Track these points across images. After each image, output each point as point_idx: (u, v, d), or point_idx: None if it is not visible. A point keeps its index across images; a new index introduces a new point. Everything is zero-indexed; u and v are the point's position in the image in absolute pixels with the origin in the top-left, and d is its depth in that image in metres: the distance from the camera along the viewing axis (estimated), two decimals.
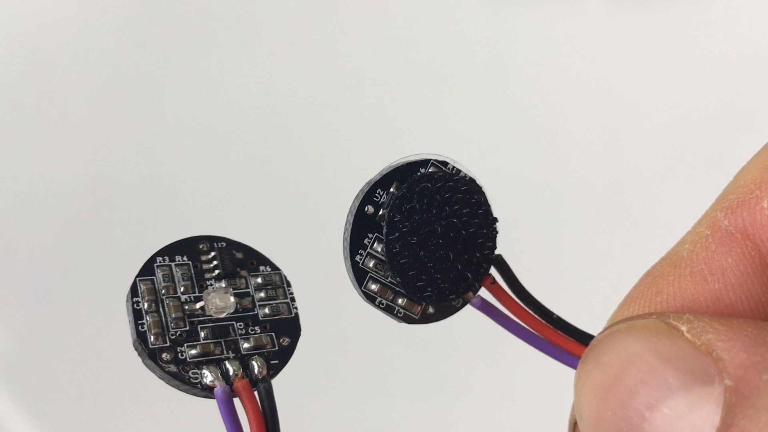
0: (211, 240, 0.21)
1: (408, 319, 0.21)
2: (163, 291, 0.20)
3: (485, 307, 0.21)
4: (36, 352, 0.45)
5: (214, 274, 0.20)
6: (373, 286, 0.21)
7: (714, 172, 0.46)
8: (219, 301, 0.20)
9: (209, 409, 0.44)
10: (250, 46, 0.50)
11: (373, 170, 0.47)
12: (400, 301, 0.21)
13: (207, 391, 0.19)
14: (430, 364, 0.46)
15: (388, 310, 0.21)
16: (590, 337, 0.21)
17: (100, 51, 0.50)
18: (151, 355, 0.19)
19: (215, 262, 0.20)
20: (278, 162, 0.48)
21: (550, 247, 0.46)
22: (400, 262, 0.20)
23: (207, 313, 0.20)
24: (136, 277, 0.20)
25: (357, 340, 0.44)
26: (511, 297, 0.21)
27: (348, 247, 0.20)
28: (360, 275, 0.20)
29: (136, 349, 0.19)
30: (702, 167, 0.45)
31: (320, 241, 0.44)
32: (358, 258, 0.20)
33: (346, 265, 0.21)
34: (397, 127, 0.48)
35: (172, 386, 0.19)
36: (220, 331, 0.20)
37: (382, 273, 0.20)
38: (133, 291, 0.20)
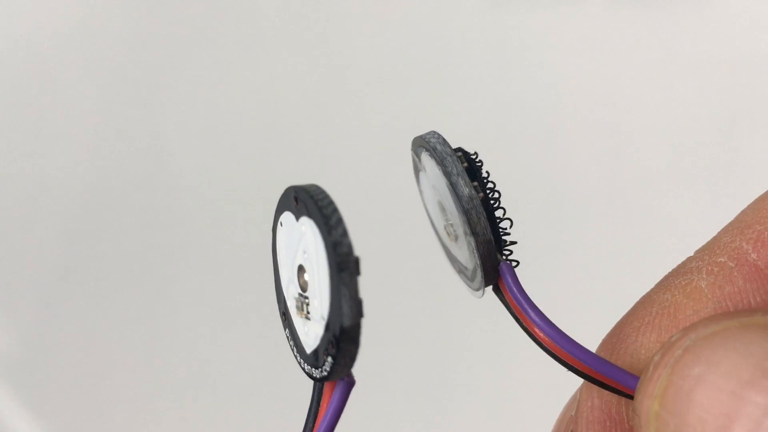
0: None
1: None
2: None
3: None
4: (38, 352, 0.45)
5: None
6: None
7: (715, 171, 0.46)
8: None
9: (210, 408, 0.44)
10: (251, 46, 0.50)
11: (373, 169, 0.47)
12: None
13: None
14: (434, 364, 0.46)
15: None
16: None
17: (101, 51, 0.50)
18: None
19: None
20: (279, 162, 0.48)
21: (550, 246, 0.46)
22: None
23: None
24: None
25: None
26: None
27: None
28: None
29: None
30: (703, 167, 0.45)
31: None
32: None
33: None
34: (397, 126, 0.48)
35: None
36: None
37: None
38: None
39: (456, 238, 0.20)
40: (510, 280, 0.19)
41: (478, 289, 0.20)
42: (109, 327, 0.45)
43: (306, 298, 0.18)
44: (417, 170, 0.21)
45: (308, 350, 0.18)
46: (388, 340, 0.46)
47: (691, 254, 0.22)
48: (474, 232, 0.19)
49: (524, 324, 0.19)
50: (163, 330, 0.45)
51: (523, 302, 0.19)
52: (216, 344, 0.45)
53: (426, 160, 0.20)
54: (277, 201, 0.18)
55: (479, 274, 0.20)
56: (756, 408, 0.16)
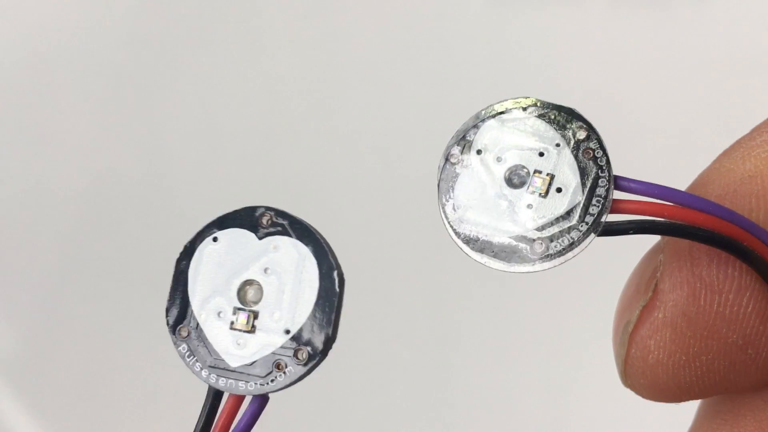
0: None
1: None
2: None
3: None
4: (39, 352, 0.45)
5: None
6: None
7: None
8: None
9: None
10: (252, 45, 0.50)
11: (373, 170, 0.47)
12: None
13: None
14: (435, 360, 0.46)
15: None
16: None
17: (102, 51, 0.50)
18: None
19: None
20: (280, 163, 0.48)
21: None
22: None
23: None
24: None
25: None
26: None
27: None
28: None
29: None
30: (703, 167, 0.45)
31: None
32: None
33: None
34: (397, 126, 0.48)
35: None
36: None
37: None
38: None
39: (546, 190, 0.20)
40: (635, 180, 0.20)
41: (575, 241, 0.20)
42: (110, 327, 0.45)
43: (254, 311, 0.19)
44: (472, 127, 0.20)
45: (236, 363, 0.19)
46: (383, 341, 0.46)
47: None
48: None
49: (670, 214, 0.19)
50: (164, 330, 0.45)
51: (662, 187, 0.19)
52: None
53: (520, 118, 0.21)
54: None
55: (589, 215, 0.20)
56: None
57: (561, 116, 0.20)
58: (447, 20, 0.49)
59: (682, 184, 0.22)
